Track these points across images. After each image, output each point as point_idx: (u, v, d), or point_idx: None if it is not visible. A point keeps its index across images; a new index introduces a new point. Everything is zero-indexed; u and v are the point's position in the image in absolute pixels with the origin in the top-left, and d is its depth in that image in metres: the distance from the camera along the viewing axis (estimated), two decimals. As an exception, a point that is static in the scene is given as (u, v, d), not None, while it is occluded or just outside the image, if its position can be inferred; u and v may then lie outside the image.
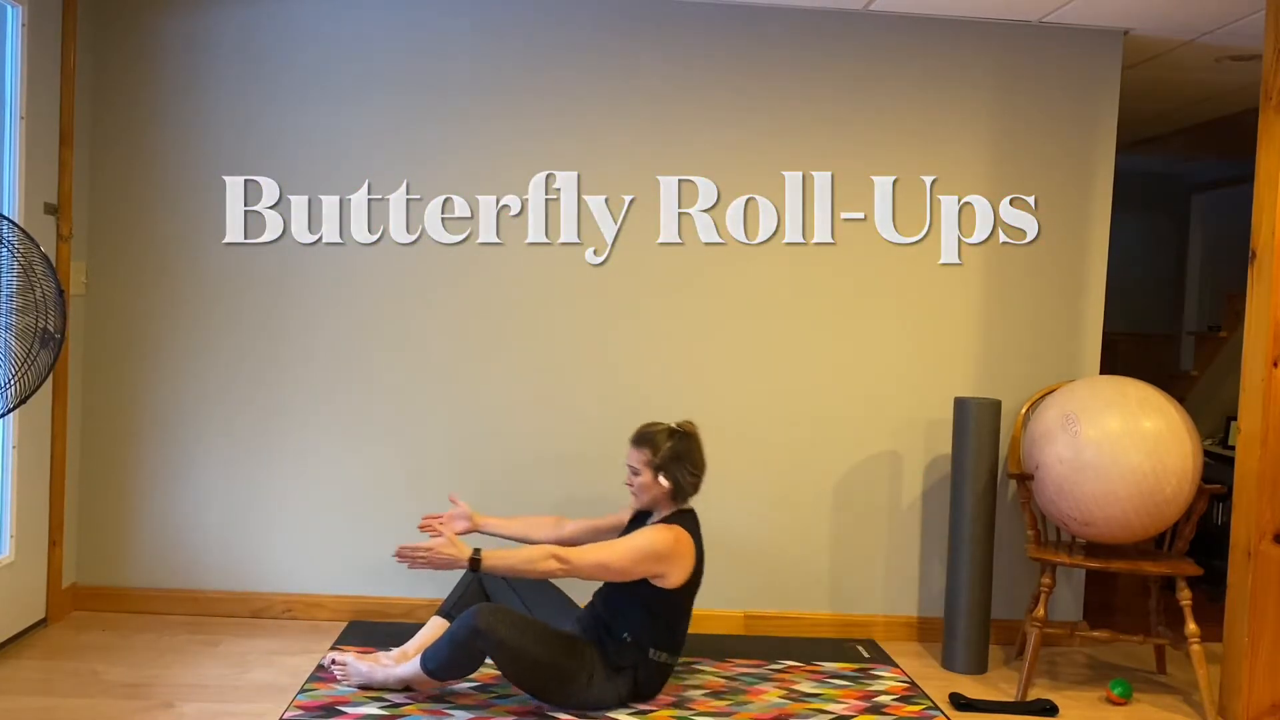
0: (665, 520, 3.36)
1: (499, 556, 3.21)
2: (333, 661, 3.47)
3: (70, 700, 3.21)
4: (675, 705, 3.36)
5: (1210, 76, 4.73)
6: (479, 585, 3.52)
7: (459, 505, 3.64)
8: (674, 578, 3.26)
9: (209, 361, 4.06)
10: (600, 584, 3.39)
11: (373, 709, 3.21)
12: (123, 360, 4.05)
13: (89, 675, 3.42)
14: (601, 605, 3.36)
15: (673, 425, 3.40)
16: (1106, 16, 3.96)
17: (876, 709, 3.42)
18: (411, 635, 3.82)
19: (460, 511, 3.63)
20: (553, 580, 3.41)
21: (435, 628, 3.47)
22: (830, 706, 3.41)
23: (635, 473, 3.37)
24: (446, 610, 3.50)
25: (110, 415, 4.06)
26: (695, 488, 3.39)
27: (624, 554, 3.23)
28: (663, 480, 3.33)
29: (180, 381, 4.06)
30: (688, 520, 3.38)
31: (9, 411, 2.77)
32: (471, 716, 3.19)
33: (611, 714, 3.26)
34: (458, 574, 4.07)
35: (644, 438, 3.37)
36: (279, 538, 4.09)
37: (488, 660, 3.21)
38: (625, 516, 3.57)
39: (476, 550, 3.21)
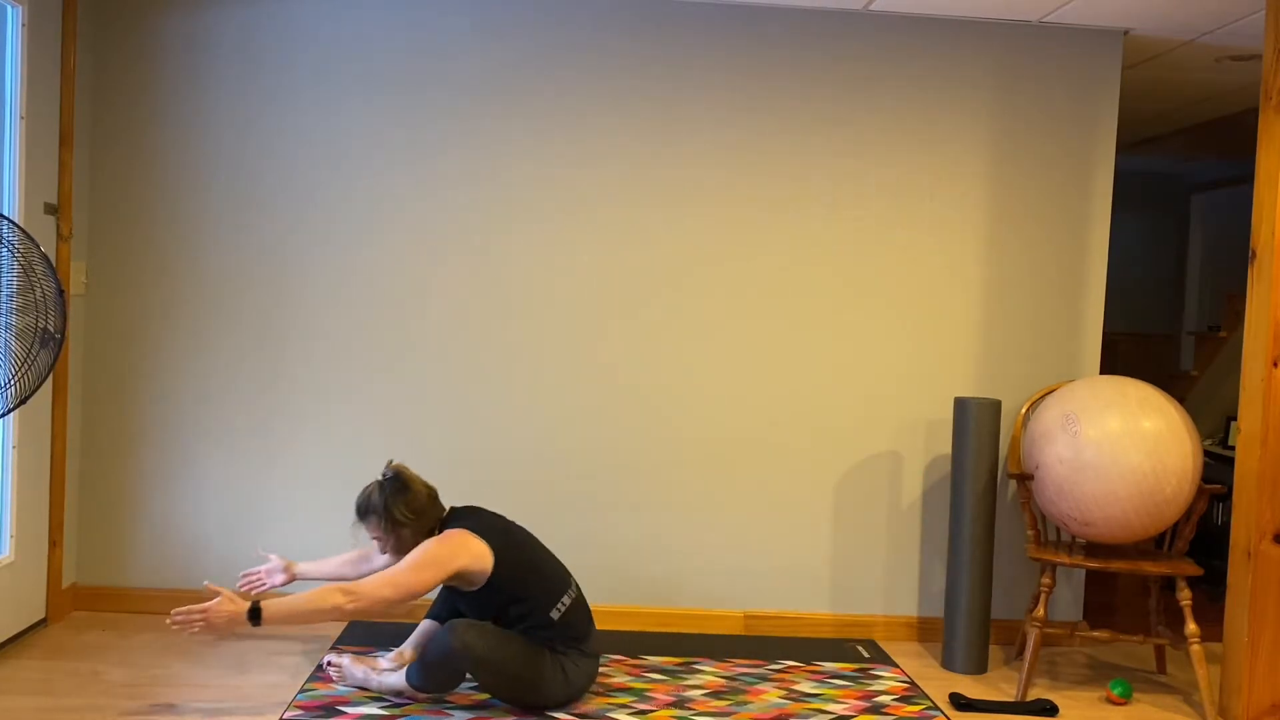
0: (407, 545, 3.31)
1: (281, 605, 3.06)
2: (329, 663, 3.47)
3: (70, 700, 3.21)
4: (675, 705, 3.36)
5: (1210, 76, 4.73)
6: None
7: (272, 559, 3.65)
8: (478, 570, 3.19)
9: (209, 361, 4.06)
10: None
11: (373, 709, 3.21)
12: (123, 360, 4.05)
13: (89, 675, 3.42)
14: (478, 614, 3.29)
15: (378, 479, 3.33)
16: (1106, 16, 3.96)
17: (876, 709, 3.42)
18: (410, 635, 3.83)
19: (274, 565, 3.64)
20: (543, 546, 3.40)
21: (427, 629, 3.48)
22: (830, 706, 3.41)
23: (382, 541, 3.32)
24: (435, 612, 3.50)
25: (110, 415, 4.06)
26: (429, 513, 3.31)
27: (407, 569, 3.14)
28: (403, 531, 3.28)
29: (180, 381, 4.06)
30: (457, 520, 3.32)
31: (9, 411, 2.77)
32: (471, 716, 3.19)
33: (612, 715, 3.26)
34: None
35: (361, 510, 3.31)
36: (279, 537, 4.09)
37: None
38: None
39: (255, 603, 3.07)
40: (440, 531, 3.30)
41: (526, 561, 3.29)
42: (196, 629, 3.02)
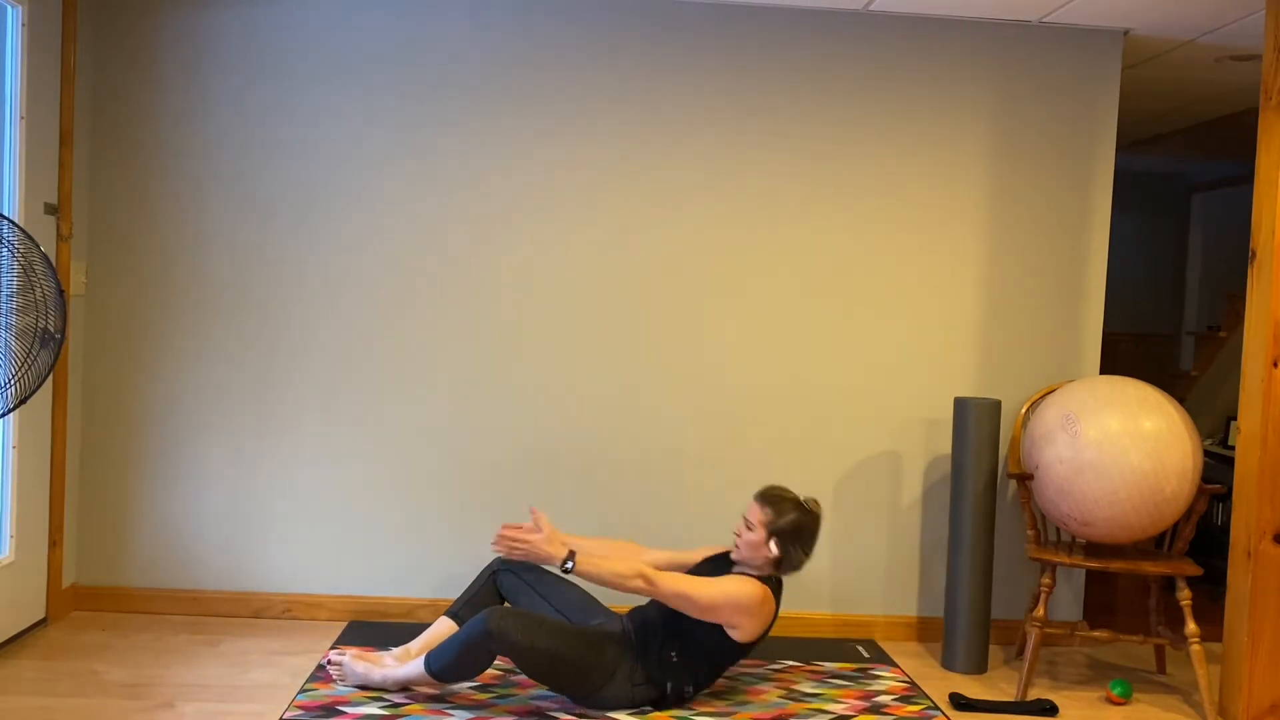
0: (759, 577, 3.35)
1: (591, 563, 3.22)
2: (329, 661, 3.47)
3: (70, 700, 3.21)
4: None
5: (1210, 76, 4.73)
6: (493, 587, 3.51)
7: (540, 517, 3.46)
8: (745, 632, 3.28)
9: (209, 362, 4.06)
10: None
11: (373, 709, 3.21)
12: (123, 360, 4.05)
13: (89, 675, 3.42)
14: (661, 623, 3.34)
15: (802, 499, 3.41)
16: (1106, 16, 3.96)
17: (876, 709, 3.42)
18: (411, 635, 3.82)
19: (540, 529, 3.48)
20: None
21: (442, 628, 3.46)
22: (830, 706, 3.41)
23: (749, 527, 3.36)
24: (455, 611, 3.48)
25: (110, 415, 4.06)
26: (797, 568, 3.39)
27: (711, 594, 3.22)
28: (773, 547, 3.33)
29: (180, 381, 4.06)
30: (776, 586, 3.39)
31: (9, 411, 2.77)
32: (471, 716, 3.19)
33: (611, 714, 3.26)
34: (468, 575, 4.08)
35: (771, 499, 3.37)
36: (279, 538, 4.09)
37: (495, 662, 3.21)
38: (697, 556, 3.58)
39: (572, 553, 3.22)
40: (767, 581, 3.34)
41: (742, 657, 3.39)
42: (517, 553, 3.28)
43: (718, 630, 3.27)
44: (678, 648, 3.29)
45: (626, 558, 3.49)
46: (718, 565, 3.48)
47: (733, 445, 4.14)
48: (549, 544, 3.26)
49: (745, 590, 3.25)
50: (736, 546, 3.41)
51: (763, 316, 4.14)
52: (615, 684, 3.24)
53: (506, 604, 3.51)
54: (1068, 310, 4.20)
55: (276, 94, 4.02)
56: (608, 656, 3.24)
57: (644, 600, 3.66)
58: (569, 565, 3.20)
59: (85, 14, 3.91)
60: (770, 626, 3.37)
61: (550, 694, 3.38)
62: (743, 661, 3.79)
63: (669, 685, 3.29)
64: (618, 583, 3.19)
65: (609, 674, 3.23)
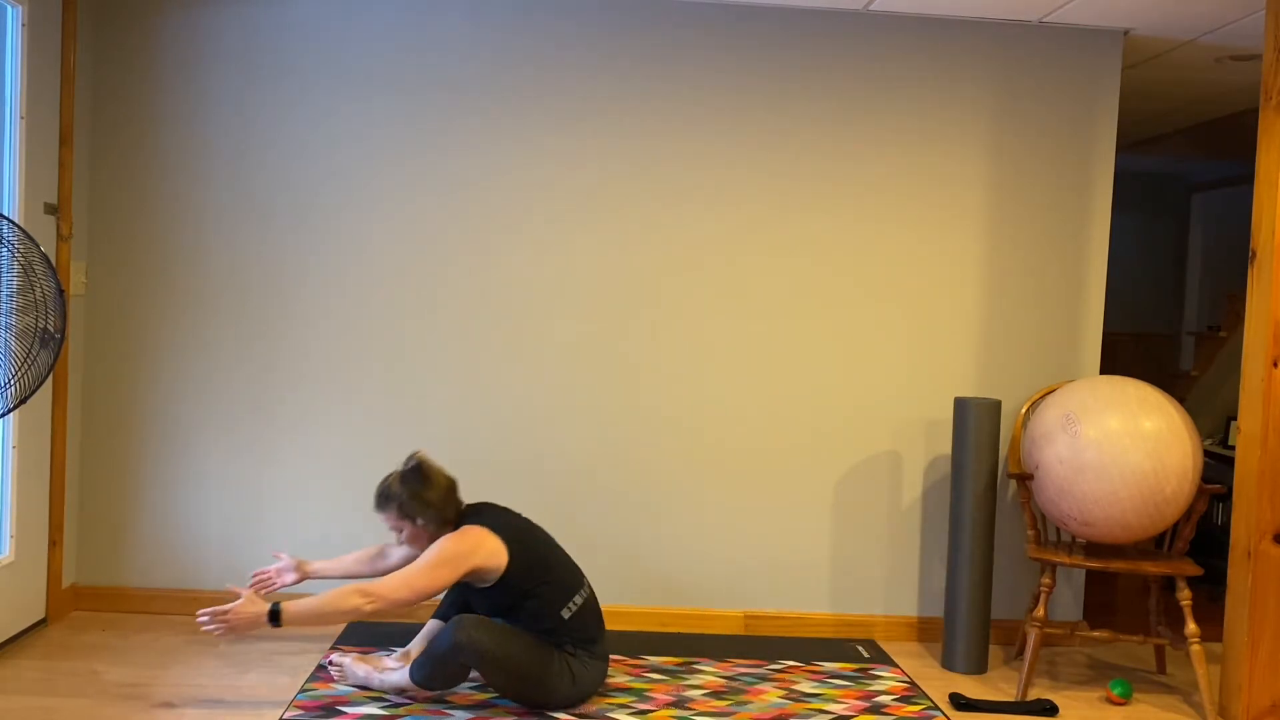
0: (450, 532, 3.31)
1: (300, 606, 3.13)
2: (330, 663, 3.47)
3: (70, 700, 3.21)
4: (675, 705, 3.36)
5: (1210, 76, 4.73)
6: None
7: (283, 559, 3.64)
8: (492, 567, 3.21)
9: (209, 361, 4.06)
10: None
11: (373, 709, 3.21)
12: (123, 360, 4.05)
13: (89, 675, 3.42)
14: (483, 608, 3.32)
15: (400, 468, 3.36)
16: (1106, 16, 3.96)
17: (876, 709, 3.42)
18: (411, 635, 3.83)
19: (286, 564, 3.64)
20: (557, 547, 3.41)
21: (432, 629, 3.48)
22: (830, 706, 3.41)
23: (399, 530, 3.33)
24: (442, 613, 3.50)
25: (110, 415, 4.06)
26: (447, 505, 3.32)
27: (423, 569, 3.16)
28: (420, 522, 3.29)
29: (180, 381, 4.06)
30: (474, 516, 3.33)
31: (9, 411, 2.77)
32: (471, 716, 3.19)
33: (612, 715, 3.26)
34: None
35: (380, 499, 3.33)
36: (279, 537, 4.09)
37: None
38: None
39: (275, 605, 3.14)
40: (457, 526, 3.31)
41: (540, 560, 3.29)
42: (219, 631, 3.12)
43: (492, 591, 3.22)
44: (523, 619, 3.24)
45: (368, 573, 3.53)
46: None
47: (733, 444, 4.14)
48: (248, 606, 3.14)
49: (442, 546, 3.19)
50: (416, 548, 3.36)
51: (763, 316, 4.14)
52: (577, 674, 3.23)
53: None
54: (1068, 310, 4.20)
55: (276, 94, 4.02)
56: (554, 658, 3.23)
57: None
58: (276, 620, 3.13)
59: (85, 14, 3.91)
60: (513, 536, 3.27)
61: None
62: (743, 661, 3.79)
63: (566, 634, 3.23)
64: (335, 614, 3.12)
65: (571, 673, 3.23)
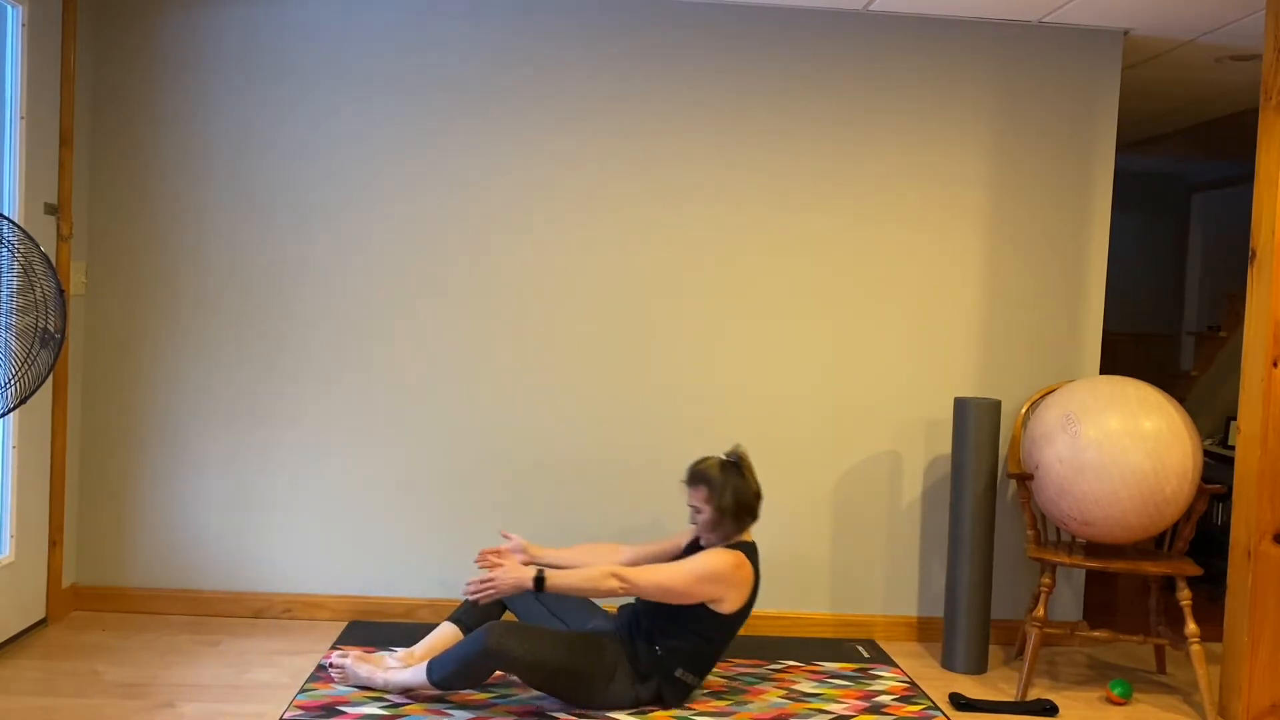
0: (729, 546, 3.35)
1: (561, 576, 3.23)
2: (331, 664, 3.47)
3: (70, 700, 3.21)
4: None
5: (1210, 76, 4.73)
6: None
7: (512, 539, 3.61)
8: (729, 603, 3.28)
9: (209, 362, 4.06)
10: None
11: (373, 709, 3.21)
12: (123, 360, 4.05)
13: (89, 675, 3.42)
14: (646, 612, 3.35)
15: (723, 457, 3.40)
16: (1106, 16, 3.96)
17: (876, 709, 3.42)
18: (411, 635, 3.83)
19: (515, 545, 3.60)
20: None
21: (445, 633, 3.46)
22: (830, 706, 3.41)
23: (697, 510, 3.36)
24: (458, 617, 3.49)
25: (110, 415, 4.06)
26: (746, 514, 3.38)
27: (685, 575, 3.23)
28: (721, 513, 3.33)
29: (180, 381, 4.06)
30: (749, 549, 3.38)
31: (9, 411, 2.77)
32: (471, 716, 3.19)
33: (612, 714, 3.26)
34: (467, 576, 4.08)
35: (699, 476, 3.36)
36: (279, 538, 4.09)
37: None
38: (682, 540, 3.56)
39: (540, 570, 3.22)
40: (737, 547, 3.34)
41: (735, 630, 3.37)
42: (489, 594, 3.22)
43: (702, 607, 3.27)
44: (667, 635, 3.28)
45: (602, 561, 3.52)
46: (694, 548, 3.48)
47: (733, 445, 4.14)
48: (511, 574, 3.23)
49: (716, 561, 3.26)
50: (700, 534, 3.41)
51: (763, 316, 4.14)
52: (617, 685, 3.25)
53: (508, 612, 3.52)
54: (1068, 310, 4.20)
55: (276, 94, 4.02)
56: (607, 659, 3.25)
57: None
58: (540, 586, 3.20)
59: (85, 14, 3.91)
60: (754, 593, 3.35)
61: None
62: (743, 661, 3.79)
63: (665, 674, 3.28)
64: (592, 588, 3.21)
65: (610, 676, 3.24)
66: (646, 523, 4.14)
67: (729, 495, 3.31)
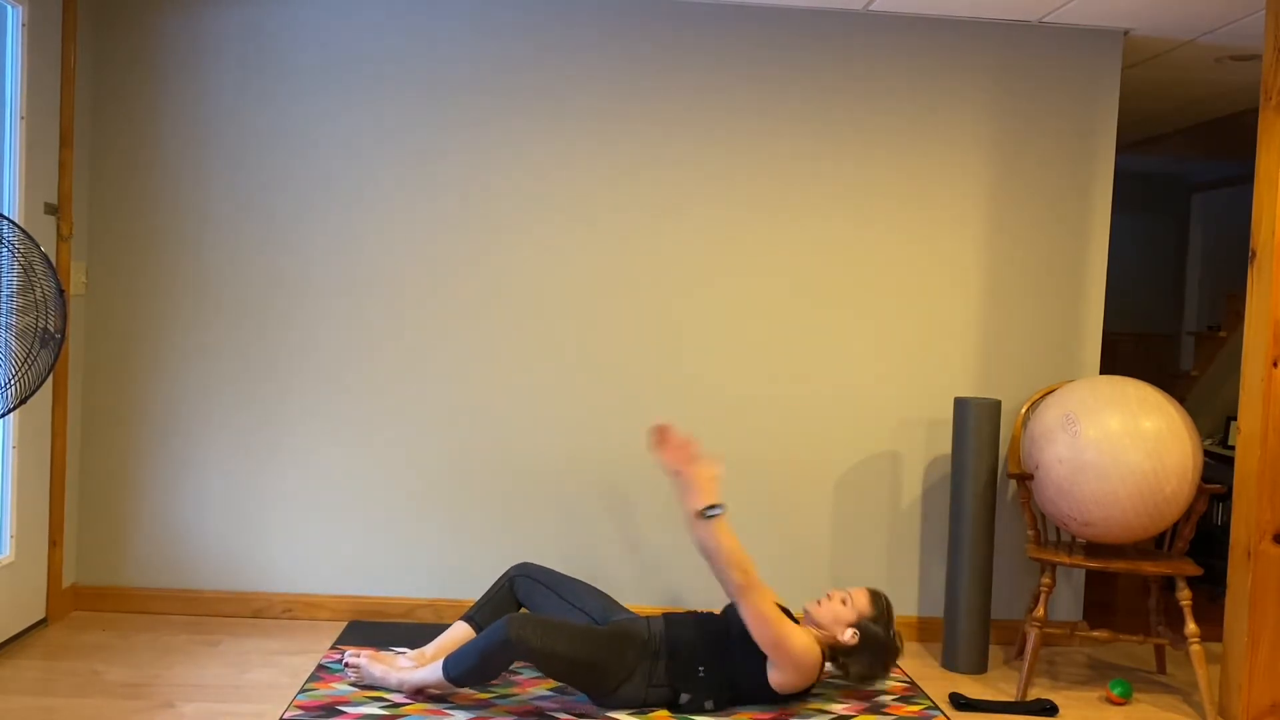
0: (822, 641, 3.36)
1: (725, 533, 3.15)
2: (345, 663, 3.46)
3: (70, 700, 3.21)
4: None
5: (1210, 76, 4.73)
6: (509, 592, 3.54)
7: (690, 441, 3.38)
8: (784, 682, 3.27)
9: (209, 361, 4.06)
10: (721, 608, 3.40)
11: (373, 709, 3.21)
12: (123, 360, 4.05)
13: (89, 675, 3.42)
14: (701, 637, 3.33)
15: (894, 629, 3.40)
16: (1106, 16, 3.96)
17: (876, 709, 3.42)
18: (411, 635, 3.83)
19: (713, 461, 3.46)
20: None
21: (458, 632, 3.47)
22: (830, 706, 3.41)
23: (844, 603, 3.37)
24: (471, 616, 3.49)
25: (110, 415, 4.06)
26: (847, 674, 3.38)
27: (786, 631, 3.21)
28: (849, 635, 3.33)
29: (180, 381, 4.06)
30: (825, 657, 3.38)
31: (9, 411, 2.77)
32: (471, 716, 3.19)
33: (612, 714, 3.26)
34: (467, 575, 4.08)
35: (879, 601, 3.38)
36: (279, 538, 4.09)
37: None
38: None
39: (720, 506, 3.14)
40: (825, 650, 3.36)
41: (781, 701, 3.37)
42: (674, 464, 3.17)
43: (760, 664, 3.27)
44: (712, 664, 3.29)
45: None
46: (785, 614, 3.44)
47: (733, 445, 4.14)
48: (704, 479, 3.16)
49: (809, 644, 3.26)
50: (818, 604, 3.40)
51: (763, 316, 4.14)
52: (633, 684, 3.25)
53: (523, 609, 3.53)
54: (1068, 310, 4.20)
55: (276, 94, 4.02)
56: (628, 657, 3.24)
57: (685, 609, 3.64)
58: (714, 511, 3.13)
59: (85, 14, 3.91)
60: (804, 691, 3.35)
61: (550, 694, 3.38)
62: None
63: (688, 694, 3.28)
64: (725, 561, 3.13)
65: (628, 673, 3.24)
66: (646, 523, 4.14)
67: (875, 631, 3.34)
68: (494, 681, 3.44)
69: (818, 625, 3.38)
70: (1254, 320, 3.49)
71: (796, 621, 3.34)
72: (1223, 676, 3.56)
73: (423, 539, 4.11)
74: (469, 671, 3.21)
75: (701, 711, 3.30)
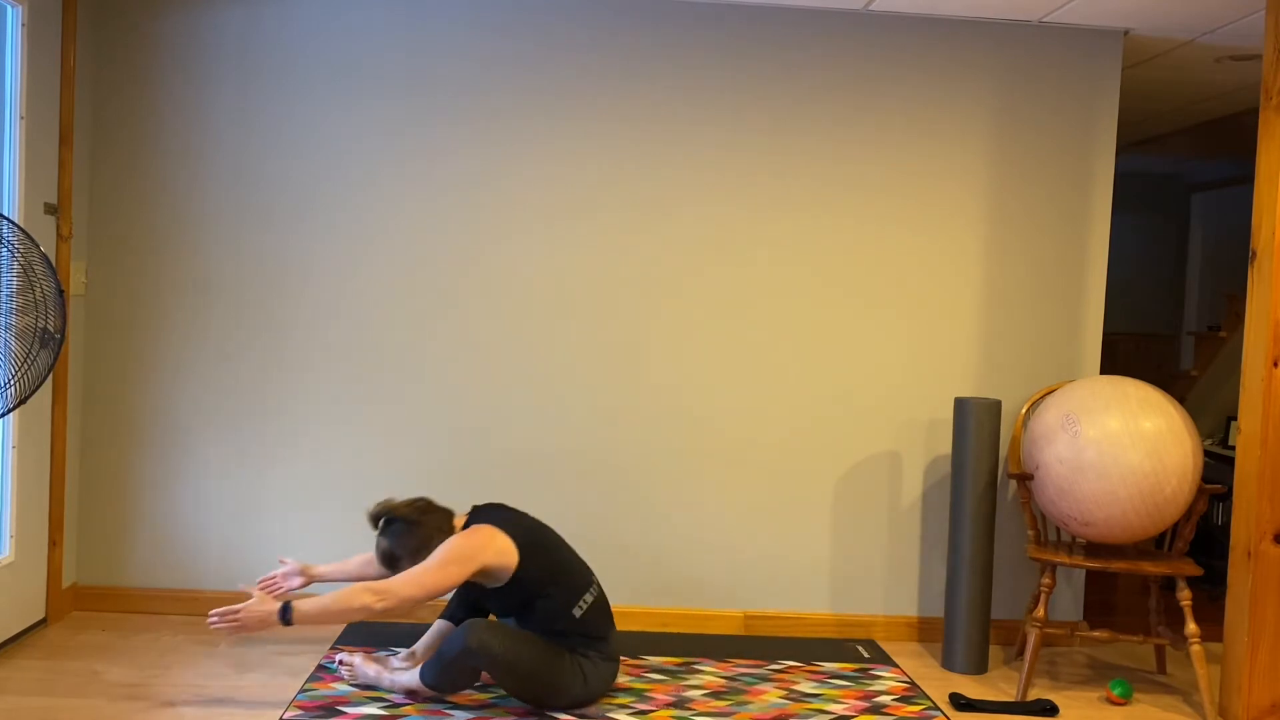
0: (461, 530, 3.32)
1: (311, 604, 3.11)
2: (340, 662, 3.47)
3: (70, 700, 3.21)
4: (675, 705, 3.36)
5: (1210, 76, 4.74)
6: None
7: (288, 563, 3.65)
8: (502, 565, 3.21)
9: (209, 361, 4.06)
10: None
11: (373, 709, 3.21)
12: (123, 360, 4.05)
13: (89, 675, 3.42)
14: (502, 613, 3.33)
15: (383, 537, 3.33)
16: (1106, 16, 3.96)
17: (876, 709, 3.42)
18: (412, 635, 3.83)
19: (291, 569, 3.64)
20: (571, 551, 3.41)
21: (439, 630, 3.49)
22: (830, 706, 3.41)
23: (396, 569, 3.32)
24: (450, 613, 3.50)
25: (110, 415, 4.06)
26: (434, 520, 3.31)
27: (433, 567, 3.14)
28: (424, 551, 3.27)
29: (180, 381, 4.06)
30: (483, 516, 3.33)
31: (9, 411, 2.77)
32: (471, 716, 3.19)
33: (612, 715, 3.26)
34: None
35: (386, 558, 3.31)
36: (279, 538, 4.09)
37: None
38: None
39: (286, 604, 3.13)
40: (466, 527, 3.31)
41: (550, 558, 3.30)
42: (230, 630, 3.12)
43: (504, 591, 3.23)
44: (535, 622, 3.24)
45: (375, 575, 3.51)
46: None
47: (733, 445, 4.14)
48: (258, 606, 3.13)
49: (449, 545, 3.19)
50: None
51: (763, 316, 4.14)
52: (589, 676, 3.24)
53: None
54: (1068, 310, 4.20)
55: (276, 94, 4.02)
56: (572, 658, 3.24)
57: None
58: (287, 617, 3.11)
59: (85, 14, 3.91)
60: (522, 534, 3.27)
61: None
62: (743, 661, 3.79)
63: (575, 633, 3.24)
64: (346, 612, 3.09)
65: (583, 675, 3.23)
66: (646, 523, 4.14)
67: (410, 543, 3.26)
68: (484, 678, 3.43)
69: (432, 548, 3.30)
70: (1254, 320, 3.49)
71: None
72: (1223, 676, 3.56)
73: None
74: (440, 680, 3.21)
75: (584, 616, 3.26)
